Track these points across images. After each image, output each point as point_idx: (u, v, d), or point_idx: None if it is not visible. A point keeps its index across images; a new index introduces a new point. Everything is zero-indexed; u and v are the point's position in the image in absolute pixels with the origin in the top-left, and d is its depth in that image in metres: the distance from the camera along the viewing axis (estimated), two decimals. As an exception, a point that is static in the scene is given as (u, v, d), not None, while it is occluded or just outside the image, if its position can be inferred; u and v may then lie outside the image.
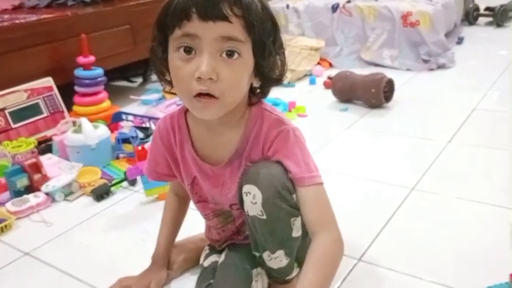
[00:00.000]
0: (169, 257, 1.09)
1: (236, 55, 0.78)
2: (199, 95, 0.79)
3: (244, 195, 0.86)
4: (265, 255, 0.91)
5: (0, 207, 1.44)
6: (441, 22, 2.68)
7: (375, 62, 2.69)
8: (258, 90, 0.90)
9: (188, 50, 0.78)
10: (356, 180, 1.46)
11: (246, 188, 0.86)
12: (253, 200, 0.84)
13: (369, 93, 2.03)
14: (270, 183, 0.84)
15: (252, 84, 0.86)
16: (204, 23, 0.75)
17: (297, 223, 0.87)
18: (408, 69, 2.59)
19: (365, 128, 1.89)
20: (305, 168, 0.86)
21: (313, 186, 0.86)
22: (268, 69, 0.85)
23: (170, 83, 0.86)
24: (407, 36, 2.63)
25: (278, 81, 0.88)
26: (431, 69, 2.55)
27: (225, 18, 0.75)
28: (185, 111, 0.94)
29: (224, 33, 0.76)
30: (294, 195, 0.86)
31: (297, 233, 0.88)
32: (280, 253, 0.90)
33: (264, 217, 0.85)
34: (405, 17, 2.62)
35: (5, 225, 1.34)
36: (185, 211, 1.11)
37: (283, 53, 0.87)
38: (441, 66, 2.56)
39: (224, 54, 0.78)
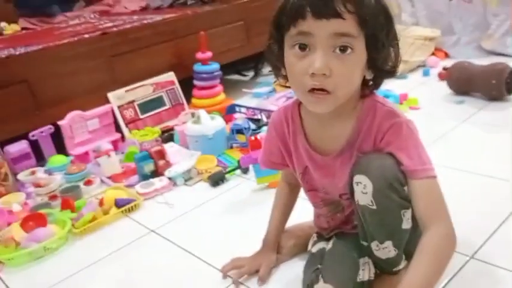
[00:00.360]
0: (278, 242, 1.15)
1: (349, 50, 0.80)
2: (313, 89, 0.82)
3: (355, 185, 0.88)
4: (374, 244, 0.92)
5: (130, 189, 1.62)
6: None
7: (498, 51, 2.51)
8: (371, 83, 0.90)
9: (302, 47, 0.81)
10: (472, 176, 1.40)
11: (357, 178, 0.87)
12: (364, 190, 0.86)
13: (490, 85, 1.91)
14: (381, 173, 0.85)
15: (364, 76, 0.87)
16: (317, 21, 0.78)
17: (407, 215, 0.88)
18: (536, 58, 2.38)
19: (483, 121, 1.79)
20: (418, 161, 0.86)
21: (426, 179, 0.86)
22: (381, 62, 0.85)
23: (285, 77, 0.90)
24: (536, 22, 2.41)
25: (391, 73, 0.88)
26: None
27: (338, 15, 0.77)
28: (299, 104, 0.98)
29: (337, 29, 0.78)
30: (405, 188, 0.86)
31: (407, 225, 0.89)
32: (388, 244, 0.90)
33: (374, 207, 0.86)
34: (534, 0, 2.41)
35: (135, 205, 1.51)
36: (296, 199, 1.16)
37: (397, 44, 0.87)
38: None
39: (337, 50, 0.80)
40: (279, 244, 1.16)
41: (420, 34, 2.59)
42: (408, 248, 0.93)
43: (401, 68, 2.43)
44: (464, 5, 2.64)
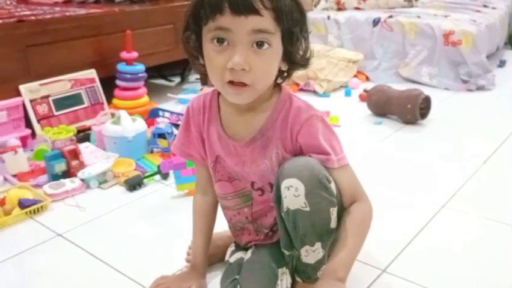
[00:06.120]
0: (207, 264, 1.09)
1: (266, 45, 0.82)
2: (232, 82, 0.84)
3: (285, 190, 0.87)
4: (303, 250, 0.91)
5: (37, 189, 1.50)
6: (484, 43, 2.64)
7: (413, 79, 2.68)
8: (285, 74, 0.93)
9: (221, 41, 0.82)
10: (385, 193, 1.45)
11: (287, 182, 0.87)
12: (296, 193, 0.86)
13: (405, 109, 2.02)
14: (310, 173, 0.86)
15: (280, 67, 0.90)
16: (236, 17, 0.79)
17: (334, 213, 0.89)
18: (446, 88, 2.56)
19: (398, 142, 1.88)
20: (334, 151, 0.92)
21: (344, 167, 0.93)
22: (295, 55, 0.89)
23: (203, 66, 0.90)
24: (447, 55, 2.61)
25: (305, 65, 0.92)
26: (470, 90, 2.52)
27: (256, 12, 0.79)
28: (219, 92, 0.98)
29: (255, 26, 0.80)
30: (332, 184, 0.89)
31: (334, 224, 0.90)
32: (318, 245, 0.90)
33: (307, 209, 0.86)
34: (447, 35, 2.60)
35: (41, 206, 1.40)
36: (216, 214, 1.10)
37: (308, 37, 0.90)
38: (480, 88, 2.53)
39: (255, 45, 0.82)
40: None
41: (344, 56, 2.70)
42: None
43: (325, 86, 2.52)
44: (386, 33, 2.80)
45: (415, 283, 1.06)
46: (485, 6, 3.19)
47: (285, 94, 0.94)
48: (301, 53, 0.90)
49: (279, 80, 0.94)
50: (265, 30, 0.81)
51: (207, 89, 0.94)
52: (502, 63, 2.96)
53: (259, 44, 0.82)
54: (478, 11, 3.04)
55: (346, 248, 0.90)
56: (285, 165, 0.89)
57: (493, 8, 3.18)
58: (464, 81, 2.56)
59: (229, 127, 0.97)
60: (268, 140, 0.94)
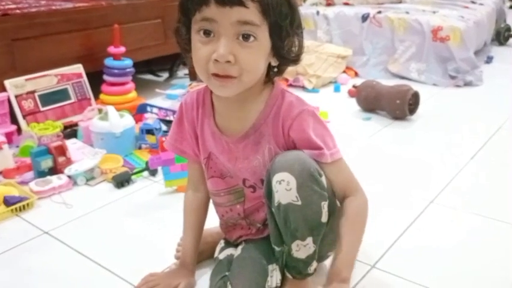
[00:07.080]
0: (196, 261, 1.08)
1: (252, 38, 0.81)
2: (217, 74, 0.83)
3: (276, 184, 0.86)
4: (294, 245, 0.90)
5: (23, 186, 1.47)
6: (471, 39, 2.65)
7: (402, 75, 2.68)
8: (276, 69, 0.93)
9: (207, 33, 0.82)
10: (374, 189, 1.45)
11: (279, 176, 0.86)
12: (288, 187, 0.85)
13: (394, 104, 2.02)
14: (301, 166, 0.86)
15: (270, 62, 0.89)
16: (221, 8, 0.79)
17: (325, 207, 0.89)
18: (434, 84, 2.57)
19: (387, 138, 1.89)
20: (328, 146, 0.92)
21: (337, 161, 0.93)
22: (286, 50, 0.88)
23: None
24: (435, 51, 2.62)
25: (295, 61, 0.91)
26: (458, 86, 2.53)
27: (241, 4, 0.79)
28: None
29: (240, 17, 0.79)
30: (323, 178, 0.89)
31: (325, 218, 0.90)
32: (309, 240, 0.90)
33: (299, 203, 0.86)
34: (435, 31, 2.61)
35: (27, 204, 1.38)
36: (207, 211, 1.10)
37: (301, 33, 0.89)
38: (468, 84, 2.54)
39: (240, 38, 0.81)
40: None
41: (333, 52, 2.70)
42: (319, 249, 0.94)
43: (314, 82, 2.52)
44: (375, 28, 2.80)
45: (404, 278, 1.06)
46: (473, 2, 3.21)
47: (278, 89, 0.93)
48: (293, 48, 0.88)
49: (271, 75, 0.92)
50: (250, 22, 0.80)
51: (196, 85, 0.93)
52: (489, 59, 2.98)
53: (245, 37, 0.81)
54: (466, 7, 3.06)
55: (346, 247, 0.91)
56: (275, 160, 0.89)
57: (481, 4, 3.20)
58: (452, 77, 2.57)
59: (222, 123, 0.97)
60: (261, 136, 0.93)
